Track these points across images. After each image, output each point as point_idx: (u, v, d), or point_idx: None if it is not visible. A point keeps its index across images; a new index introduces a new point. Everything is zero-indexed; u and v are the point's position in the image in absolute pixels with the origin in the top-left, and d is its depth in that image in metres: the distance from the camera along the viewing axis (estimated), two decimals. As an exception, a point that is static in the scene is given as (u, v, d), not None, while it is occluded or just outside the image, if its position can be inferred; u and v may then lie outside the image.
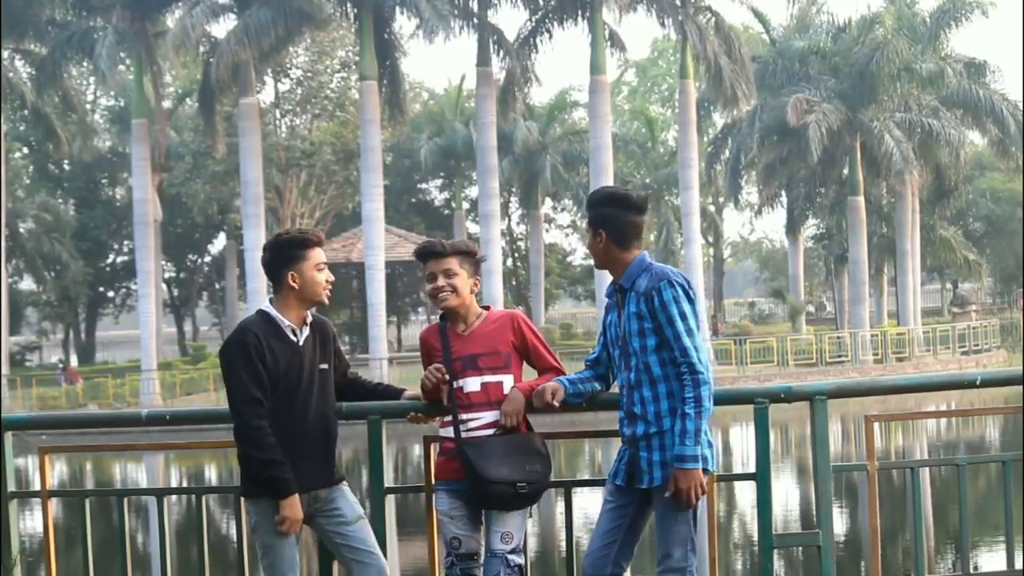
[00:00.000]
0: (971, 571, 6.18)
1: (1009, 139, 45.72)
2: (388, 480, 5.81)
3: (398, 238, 43.61)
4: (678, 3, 39.20)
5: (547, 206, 58.15)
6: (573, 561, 5.78)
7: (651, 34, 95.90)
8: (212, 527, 17.88)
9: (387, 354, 39.03)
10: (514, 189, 55.25)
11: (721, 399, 5.40)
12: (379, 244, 38.23)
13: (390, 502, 5.87)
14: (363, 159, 38.98)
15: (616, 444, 5.39)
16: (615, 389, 5.39)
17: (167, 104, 48.04)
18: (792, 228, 51.71)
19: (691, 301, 5.18)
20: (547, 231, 58.35)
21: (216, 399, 36.64)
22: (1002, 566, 6.17)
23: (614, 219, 5.25)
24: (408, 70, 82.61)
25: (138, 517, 19.66)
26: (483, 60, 39.77)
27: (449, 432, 5.44)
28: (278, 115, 50.14)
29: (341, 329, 45.22)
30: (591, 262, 6.52)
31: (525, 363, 5.57)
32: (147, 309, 40.59)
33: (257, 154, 39.22)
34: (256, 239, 37.51)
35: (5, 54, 42.56)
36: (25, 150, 56.76)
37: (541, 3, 40.23)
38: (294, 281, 5.34)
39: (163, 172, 47.67)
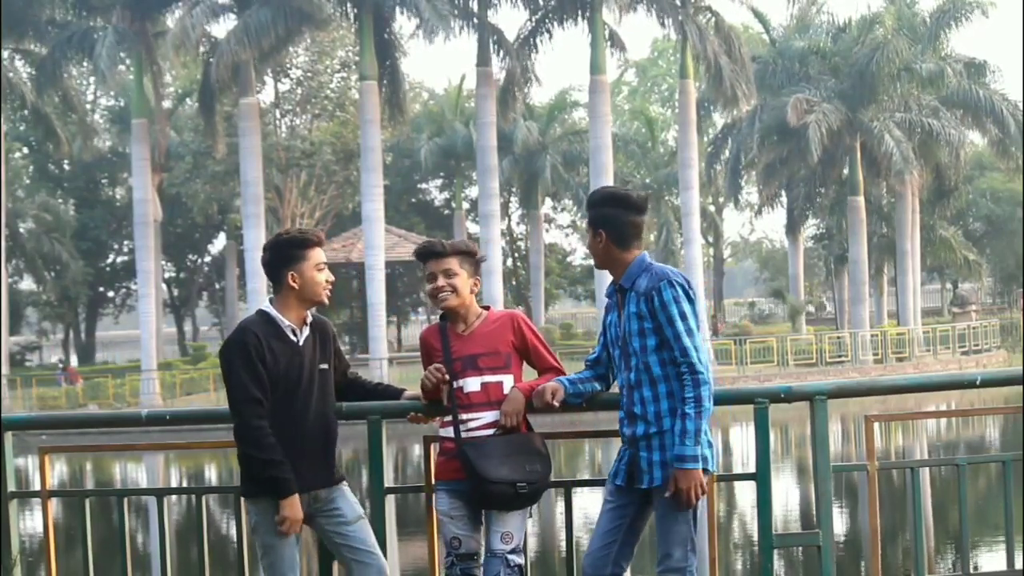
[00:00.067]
0: (971, 571, 6.18)
1: (1009, 139, 45.73)
2: (388, 480, 5.80)
3: (398, 238, 43.61)
4: (678, 3, 39.20)
5: (547, 206, 58.20)
6: (573, 561, 5.78)
7: (651, 34, 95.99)
8: (212, 527, 17.88)
9: (387, 354, 39.03)
10: (514, 189, 55.26)
11: (721, 399, 5.40)
12: (379, 244, 38.23)
13: (390, 502, 5.87)
14: (363, 159, 38.98)
15: (616, 444, 5.39)
16: (615, 389, 5.40)
17: (167, 104, 48.05)
18: (792, 228, 51.71)
19: (691, 301, 5.18)
20: (547, 231, 58.37)
21: (216, 399, 36.64)
22: (1002, 566, 6.17)
23: (614, 219, 5.25)
24: (408, 70, 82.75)
25: (138, 517, 19.66)
26: (483, 60, 39.78)
27: (449, 432, 5.44)
28: (278, 115, 50.14)
29: (341, 329, 45.23)
30: (591, 262, 6.51)
31: (525, 363, 5.57)
32: (147, 309, 40.59)
33: (257, 154, 39.22)
34: (256, 239, 37.52)
35: (5, 54, 42.57)
36: (25, 150, 56.77)
37: (541, 3, 40.23)
38: (294, 281, 5.34)
39: (163, 172, 47.67)
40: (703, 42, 38.52)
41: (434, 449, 5.69)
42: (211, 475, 27.00)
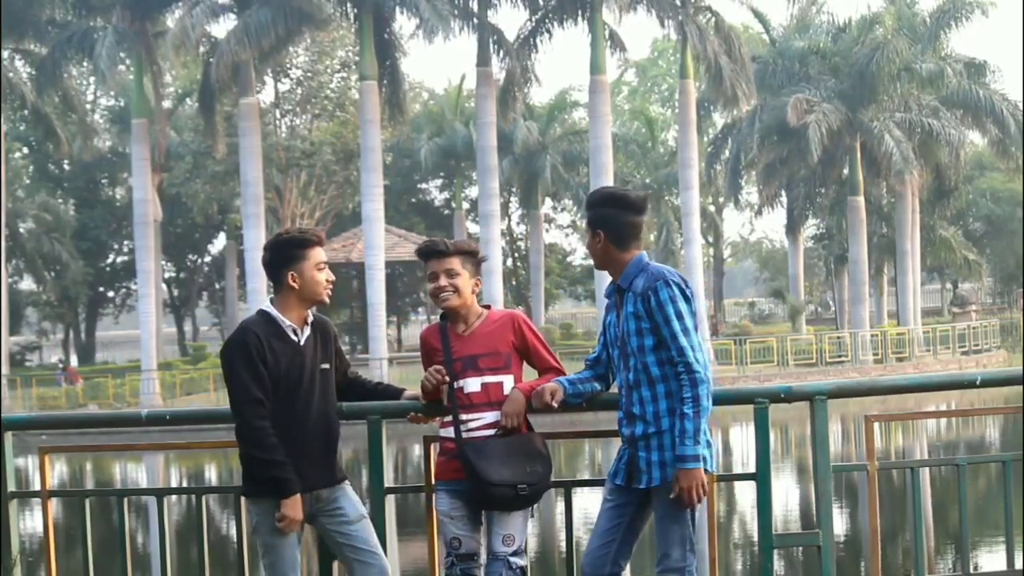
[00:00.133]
0: (971, 571, 6.18)
1: (1009, 139, 45.73)
2: (388, 480, 5.80)
3: (398, 238, 43.61)
4: (678, 3, 39.20)
5: (547, 206, 58.20)
6: (573, 561, 5.78)
7: (651, 34, 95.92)
8: (212, 527, 17.89)
9: (387, 354, 39.03)
10: (514, 189, 55.26)
11: (721, 399, 5.41)
12: (379, 244, 38.23)
13: (390, 502, 5.87)
14: (363, 159, 38.98)
15: (616, 444, 5.39)
16: (615, 389, 5.40)
17: (167, 104, 48.05)
18: (792, 228, 51.70)
19: (687, 300, 5.18)
20: (547, 231, 58.37)
21: (216, 399, 36.65)
22: (1002, 566, 6.17)
23: (612, 219, 5.26)
24: (408, 70, 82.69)
25: (138, 517, 19.66)
26: (483, 60, 39.78)
27: (450, 432, 5.44)
28: (278, 115, 50.15)
29: (341, 329, 45.21)
30: (591, 262, 6.49)
31: (525, 363, 5.57)
32: (147, 309, 40.59)
33: (257, 154, 39.22)
34: (256, 239, 37.53)
35: (5, 54, 42.56)
36: (25, 150, 56.77)
37: (541, 3, 40.23)
38: (294, 281, 5.33)
39: (163, 172, 47.67)
40: (703, 42, 38.52)
41: (434, 449, 5.69)
42: (211, 475, 27.00)
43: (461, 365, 5.43)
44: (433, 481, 5.61)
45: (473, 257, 5.53)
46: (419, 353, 5.73)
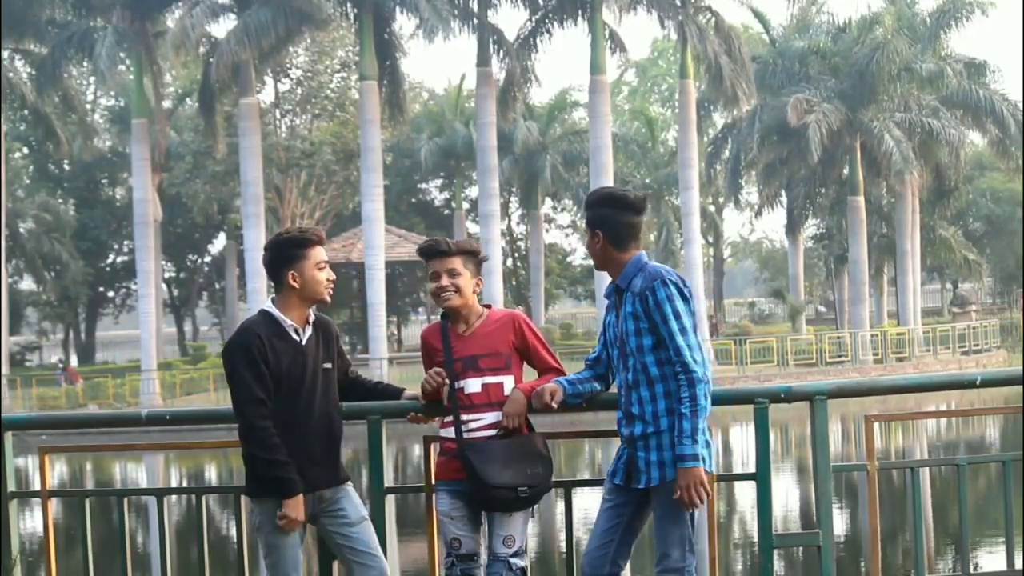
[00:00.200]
0: (971, 571, 6.18)
1: (1009, 139, 45.74)
2: (388, 480, 5.80)
3: (398, 238, 43.63)
4: (678, 3, 39.21)
5: (547, 206, 58.20)
6: (573, 561, 5.78)
7: (651, 34, 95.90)
8: (212, 527, 17.88)
9: (387, 354, 39.04)
10: (514, 189, 55.26)
11: (721, 399, 5.41)
12: (379, 244, 38.23)
13: (390, 502, 5.87)
14: (363, 159, 38.98)
15: (616, 444, 5.40)
16: (615, 389, 5.40)
17: (167, 104, 48.05)
18: (792, 228, 51.70)
19: (685, 300, 5.18)
20: (547, 231, 58.37)
21: (216, 399, 36.67)
22: (1002, 566, 6.17)
23: (611, 220, 5.26)
24: (408, 70, 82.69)
25: (138, 517, 19.66)
26: (483, 60, 39.79)
27: (450, 433, 5.44)
28: (278, 115, 50.15)
29: (341, 329, 44.93)
30: (591, 262, 6.48)
31: (526, 363, 5.57)
32: (147, 309, 40.59)
33: (257, 154, 39.23)
34: (256, 239, 37.54)
35: (5, 54, 42.56)
36: (25, 150, 56.77)
37: (541, 3, 40.24)
38: (295, 280, 5.33)
39: (163, 172, 47.68)
40: (703, 42, 38.52)
41: (434, 449, 5.69)
42: (211, 475, 27.00)
43: (462, 365, 5.43)
44: (433, 481, 5.61)
45: (475, 257, 5.53)
46: (419, 353, 5.73)
